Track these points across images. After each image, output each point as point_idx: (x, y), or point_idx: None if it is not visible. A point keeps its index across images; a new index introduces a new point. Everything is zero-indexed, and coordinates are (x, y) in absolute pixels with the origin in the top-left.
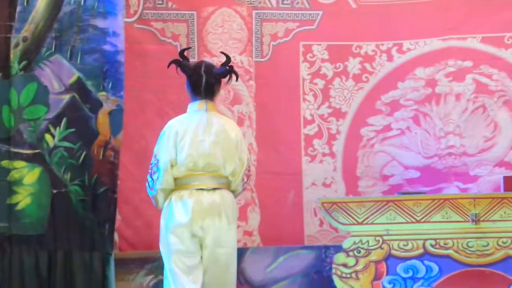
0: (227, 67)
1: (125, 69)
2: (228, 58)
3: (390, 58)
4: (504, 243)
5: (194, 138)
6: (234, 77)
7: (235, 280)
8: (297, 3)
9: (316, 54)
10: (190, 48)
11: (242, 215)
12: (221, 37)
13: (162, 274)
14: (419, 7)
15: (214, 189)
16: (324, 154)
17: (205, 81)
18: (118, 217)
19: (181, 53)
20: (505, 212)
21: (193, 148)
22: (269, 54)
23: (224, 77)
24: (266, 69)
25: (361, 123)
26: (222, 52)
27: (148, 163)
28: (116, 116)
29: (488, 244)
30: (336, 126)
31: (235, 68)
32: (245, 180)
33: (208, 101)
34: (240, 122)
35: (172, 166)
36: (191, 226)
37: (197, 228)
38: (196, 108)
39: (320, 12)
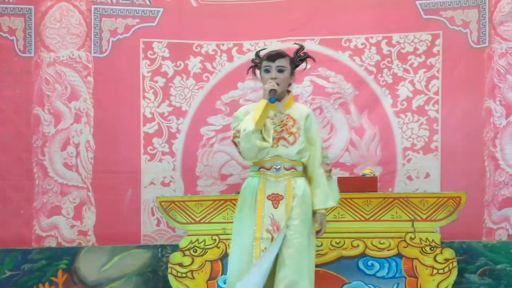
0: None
1: None
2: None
3: (230, 58)
4: (338, 243)
5: None
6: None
7: None
8: None
9: (157, 52)
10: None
11: (77, 215)
12: (59, 32)
13: None
14: (260, 9)
15: None
16: (163, 153)
17: None
18: None
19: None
20: (339, 213)
21: None
22: (108, 50)
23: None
24: (105, 65)
25: (201, 122)
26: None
27: None
28: None
29: (322, 244)
30: (176, 125)
31: (73, 64)
32: None
33: None
34: (77, 119)
35: None
36: None
37: None
38: None
39: (161, 9)
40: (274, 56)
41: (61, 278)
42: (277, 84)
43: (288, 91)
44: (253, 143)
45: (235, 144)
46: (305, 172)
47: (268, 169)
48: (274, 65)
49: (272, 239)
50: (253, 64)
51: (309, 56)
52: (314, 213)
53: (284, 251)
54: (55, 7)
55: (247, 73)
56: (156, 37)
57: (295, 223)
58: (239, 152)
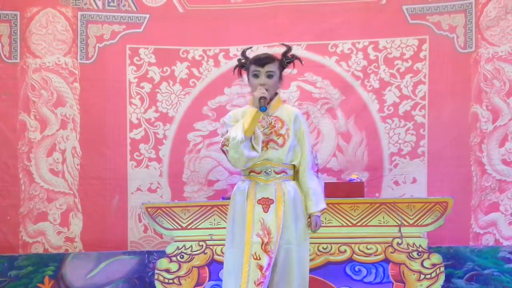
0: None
1: None
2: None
3: (217, 64)
4: (325, 249)
5: None
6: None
7: None
8: (124, 5)
9: (143, 58)
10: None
11: (64, 221)
12: (45, 38)
13: None
14: (246, 14)
15: None
16: (150, 159)
17: None
18: None
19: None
20: (326, 218)
21: None
22: (95, 56)
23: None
24: (92, 71)
25: (188, 128)
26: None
27: None
28: None
29: (309, 250)
30: (163, 131)
31: (59, 71)
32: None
33: None
34: (63, 125)
35: None
36: None
37: None
38: None
39: (147, 16)
40: (264, 60)
41: (47, 285)
42: (266, 90)
43: (276, 93)
44: (242, 153)
45: (224, 152)
46: (296, 173)
47: (258, 173)
48: (263, 70)
49: (262, 243)
50: (239, 64)
51: (297, 58)
52: (308, 216)
53: (277, 259)
54: (41, 13)
55: (233, 73)
56: (143, 43)
57: (288, 231)
58: (228, 161)
